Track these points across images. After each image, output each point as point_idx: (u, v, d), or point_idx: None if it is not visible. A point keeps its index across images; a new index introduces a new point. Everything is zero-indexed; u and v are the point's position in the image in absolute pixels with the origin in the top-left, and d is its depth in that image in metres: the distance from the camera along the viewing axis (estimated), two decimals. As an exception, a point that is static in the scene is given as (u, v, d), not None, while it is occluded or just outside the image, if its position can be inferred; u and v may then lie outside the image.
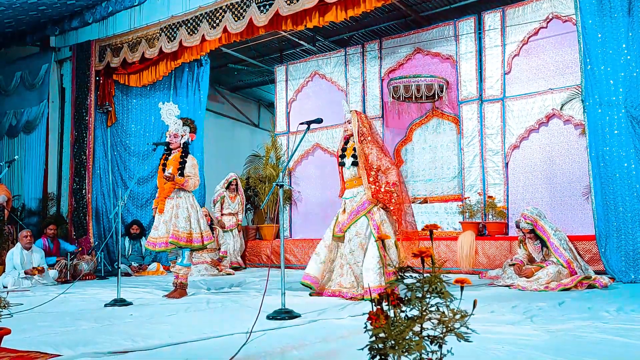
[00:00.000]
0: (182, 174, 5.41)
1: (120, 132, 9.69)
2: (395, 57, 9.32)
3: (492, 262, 6.97)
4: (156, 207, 5.54)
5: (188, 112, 9.74)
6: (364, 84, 9.62)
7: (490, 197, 7.84)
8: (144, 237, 8.82)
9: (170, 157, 5.55)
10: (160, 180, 5.54)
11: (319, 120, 4.54)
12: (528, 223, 5.58)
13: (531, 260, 5.75)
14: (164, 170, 5.48)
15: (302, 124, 4.44)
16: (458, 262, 7.18)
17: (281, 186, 4.13)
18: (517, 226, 5.77)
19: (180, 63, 8.84)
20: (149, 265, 8.54)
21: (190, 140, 5.67)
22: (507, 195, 7.89)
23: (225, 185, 9.53)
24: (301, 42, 10.26)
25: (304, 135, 4.59)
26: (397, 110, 9.19)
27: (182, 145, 5.57)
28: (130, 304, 4.76)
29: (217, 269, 8.07)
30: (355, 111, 5.18)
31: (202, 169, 9.79)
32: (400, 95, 8.63)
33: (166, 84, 9.78)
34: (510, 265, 5.85)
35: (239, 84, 13.19)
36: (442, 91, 8.56)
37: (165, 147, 5.61)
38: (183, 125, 5.63)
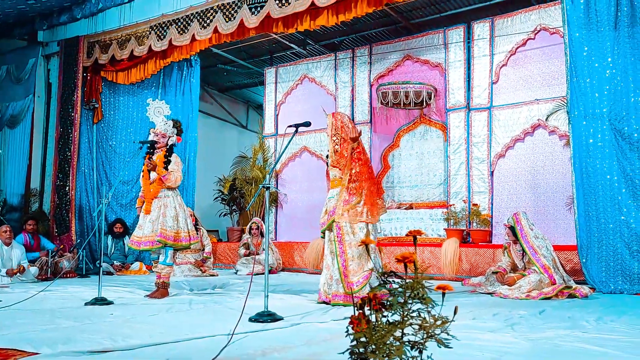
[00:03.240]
0: None
1: (106, 130, 9.61)
2: (384, 63, 9.37)
3: (475, 270, 7.02)
4: (140, 207, 5.51)
5: (176, 112, 9.71)
6: (353, 89, 9.65)
7: (475, 204, 7.90)
8: (127, 236, 8.75)
9: (154, 157, 5.51)
10: (145, 181, 5.49)
11: (307, 124, 4.54)
12: (512, 219, 5.66)
13: (514, 268, 5.80)
14: (148, 171, 5.45)
15: (290, 126, 4.44)
16: (442, 269, 7.22)
17: (267, 188, 4.12)
18: (507, 225, 5.85)
19: (169, 62, 8.81)
20: (131, 264, 8.48)
21: (176, 142, 5.64)
22: (492, 204, 7.96)
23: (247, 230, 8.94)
24: (292, 45, 10.27)
25: (291, 138, 4.59)
26: (385, 116, 9.23)
27: (167, 145, 5.55)
28: (111, 303, 4.72)
29: (201, 270, 8.04)
30: (332, 113, 5.18)
31: (194, 171, 9.75)
32: (388, 101, 8.67)
33: (154, 83, 9.73)
34: (493, 272, 5.89)
35: (228, 84, 13.16)
36: (430, 98, 8.62)
37: (149, 146, 5.57)
38: (172, 127, 5.60)
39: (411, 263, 1.34)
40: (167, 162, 5.42)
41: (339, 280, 4.67)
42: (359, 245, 4.62)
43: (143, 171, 5.53)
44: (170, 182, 5.39)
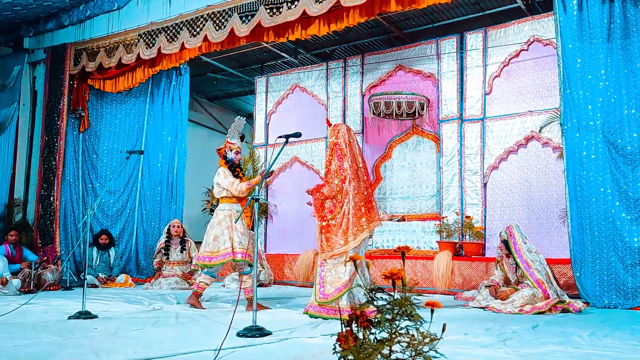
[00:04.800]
0: None
1: (92, 138, 9.59)
2: (377, 73, 9.42)
3: (468, 283, 7.03)
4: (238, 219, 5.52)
5: (165, 122, 9.70)
6: (344, 99, 9.69)
7: (467, 217, 7.92)
8: (112, 247, 8.70)
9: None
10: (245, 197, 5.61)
11: (298, 135, 4.55)
12: (506, 232, 5.69)
13: (507, 282, 5.82)
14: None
15: (280, 137, 4.45)
16: (434, 282, 7.22)
17: (257, 200, 4.12)
18: (500, 238, 5.88)
19: (158, 70, 8.82)
20: (117, 277, 8.41)
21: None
22: (485, 216, 7.99)
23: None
24: (283, 54, 10.31)
25: (281, 149, 4.59)
26: (378, 127, 9.26)
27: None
28: (95, 317, 4.68)
29: (188, 283, 7.99)
30: (334, 125, 5.18)
31: (182, 181, 9.74)
32: (380, 112, 8.71)
33: (143, 91, 9.73)
34: (486, 286, 5.91)
35: (218, 93, 13.17)
36: (422, 109, 8.67)
37: (230, 165, 5.63)
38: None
39: (399, 280, 1.35)
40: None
41: (314, 292, 4.76)
42: (347, 262, 4.64)
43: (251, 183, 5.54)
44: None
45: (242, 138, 5.86)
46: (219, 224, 5.44)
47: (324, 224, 4.79)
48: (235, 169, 5.66)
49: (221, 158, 5.78)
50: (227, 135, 5.80)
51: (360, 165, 4.96)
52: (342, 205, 4.75)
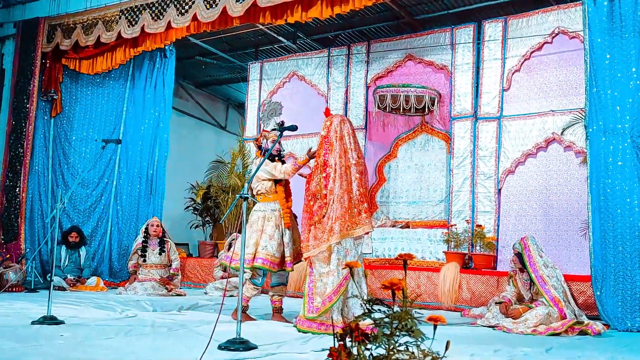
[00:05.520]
0: None
1: (65, 124, 9.57)
2: (383, 62, 9.43)
3: (476, 299, 7.04)
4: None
5: (146, 109, 9.68)
6: (347, 90, 9.70)
7: (479, 226, 7.93)
8: (83, 247, 8.69)
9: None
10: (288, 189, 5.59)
11: (294, 128, 4.55)
12: (520, 244, 5.70)
13: (520, 299, 5.83)
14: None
15: (274, 129, 4.46)
16: (439, 297, 7.23)
17: (245, 198, 4.13)
18: (514, 250, 5.89)
19: (140, 51, 8.82)
20: (87, 279, 8.40)
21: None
22: (498, 226, 8.00)
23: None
24: (280, 38, 10.31)
25: (275, 143, 4.61)
26: (382, 122, 9.27)
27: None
28: (61, 322, 4.68)
29: (166, 288, 7.99)
30: (329, 116, 5.16)
31: (163, 176, 9.71)
32: (386, 106, 8.71)
33: (123, 74, 9.71)
34: (496, 303, 5.91)
35: (207, 79, 13.16)
36: (433, 104, 8.68)
37: (269, 155, 5.48)
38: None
39: (399, 290, 1.35)
40: None
41: (302, 303, 4.80)
42: (343, 268, 4.66)
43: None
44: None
45: (281, 124, 5.52)
46: (250, 226, 5.41)
47: (305, 221, 4.86)
48: (273, 159, 5.50)
49: (257, 149, 5.76)
50: (261, 121, 5.79)
51: (354, 162, 4.90)
52: (329, 205, 4.78)
